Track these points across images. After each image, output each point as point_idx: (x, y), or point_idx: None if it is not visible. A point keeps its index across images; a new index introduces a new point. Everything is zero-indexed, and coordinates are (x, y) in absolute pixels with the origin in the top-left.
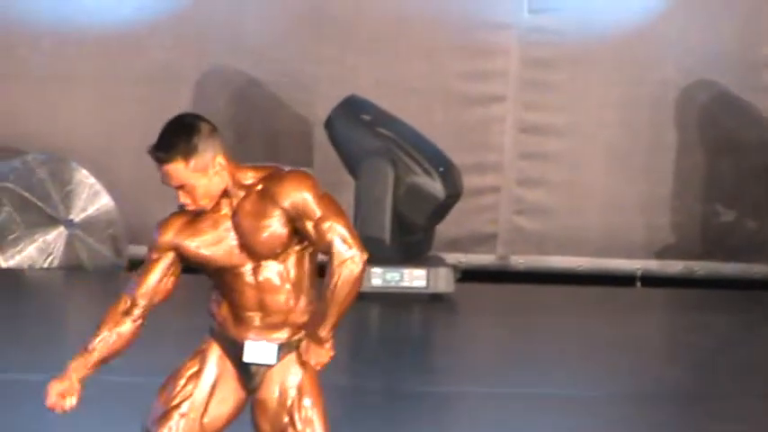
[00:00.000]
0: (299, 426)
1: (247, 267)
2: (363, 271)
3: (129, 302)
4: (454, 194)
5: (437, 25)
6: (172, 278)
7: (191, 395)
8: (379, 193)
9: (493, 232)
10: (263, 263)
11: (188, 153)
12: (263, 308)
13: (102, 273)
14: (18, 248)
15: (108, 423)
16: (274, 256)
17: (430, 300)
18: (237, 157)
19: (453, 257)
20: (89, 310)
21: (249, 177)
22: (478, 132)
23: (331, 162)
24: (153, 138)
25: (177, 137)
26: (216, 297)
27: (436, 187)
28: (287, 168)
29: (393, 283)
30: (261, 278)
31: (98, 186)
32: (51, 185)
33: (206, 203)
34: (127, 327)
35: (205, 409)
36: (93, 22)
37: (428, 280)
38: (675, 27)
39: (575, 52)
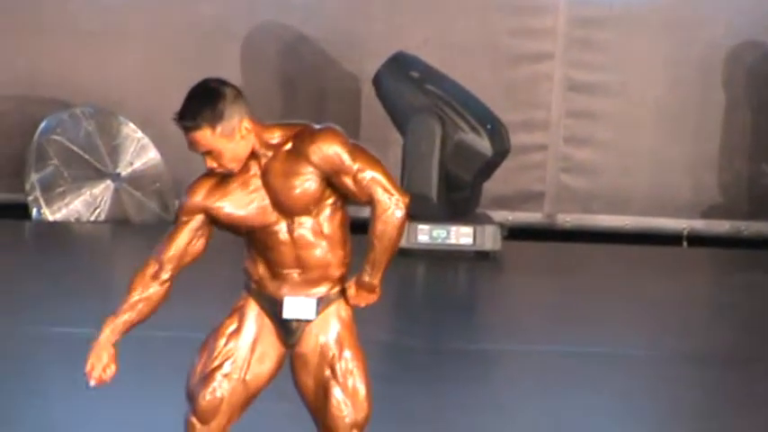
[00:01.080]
0: (340, 378)
1: (281, 225)
2: (407, 214)
3: (156, 266)
4: (502, 152)
5: None
6: (201, 240)
7: (232, 355)
8: (426, 149)
9: (540, 190)
10: (297, 219)
11: (214, 119)
12: (300, 264)
13: (148, 227)
14: (65, 202)
15: (149, 379)
16: (307, 212)
17: (476, 257)
18: (286, 113)
19: (500, 215)
20: (136, 264)
21: (276, 137)
22: (526, 90)
23: (379, 119)
24: None
25: (202, 104)
26: (251, 256)
27: (484, 144)
28: (314, 126)
29: (440, 241)
30: (296, 235)
31: (145, 140)
32: (99, 139)
33: (234, 167)
34: (155, 290)
35: (247, 368)
36: None
37: (475, 237)
38: None
39: (623, 11)
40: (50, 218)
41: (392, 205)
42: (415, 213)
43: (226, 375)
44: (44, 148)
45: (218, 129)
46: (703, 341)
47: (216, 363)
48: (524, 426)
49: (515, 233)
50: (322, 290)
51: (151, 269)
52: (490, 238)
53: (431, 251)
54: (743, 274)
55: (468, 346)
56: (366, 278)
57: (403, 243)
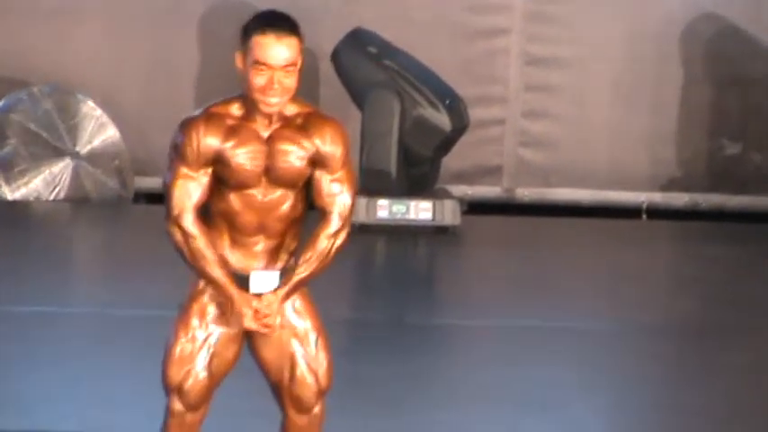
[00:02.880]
0: (305, 349)
1: (259, 190)
2: (341, 248)
3: (180, 229)
4: (460, 127)
5: None
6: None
7: (208, 335)
8: (385, 125)
9: (498, 164)
10: (276, 189)
11: (301, 40)
12: (263, 231)
13: (108, 204)
14: (24, 180)
15: (107, 356)
16: (291, 186)
17: (436, 232)
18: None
19: (459, 190)
20: (95, 242)
21: (290, 109)
22: (484, 65)
23: (337, 95)
24: (160, 71)
25: (291, 18)
26: (214, 222)
27: (442, 119)
28: (327, 114)
29: (399, 216)
30: (267, 201)
31: (104, 118)
32: (57, 117)
33: (284, 102)
34: (200, 235)
35: (221, 346)
36: None
37: (434, 212)
38: None
39: None
40: (9, 197)
41: (341, 233)
42: (375, 189)
43: (206, 358)
44: (2, 128)
45: (301, 45)
46: (663, 313)
47: (195, 346)
48: (484, 398)
49: (474, 208)
50: (281, 263)
51: (179, 234)
52: (449, 213)
53: (390, 226)
54: (702, 247)
55: (428, 320)
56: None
57: (363, 218)
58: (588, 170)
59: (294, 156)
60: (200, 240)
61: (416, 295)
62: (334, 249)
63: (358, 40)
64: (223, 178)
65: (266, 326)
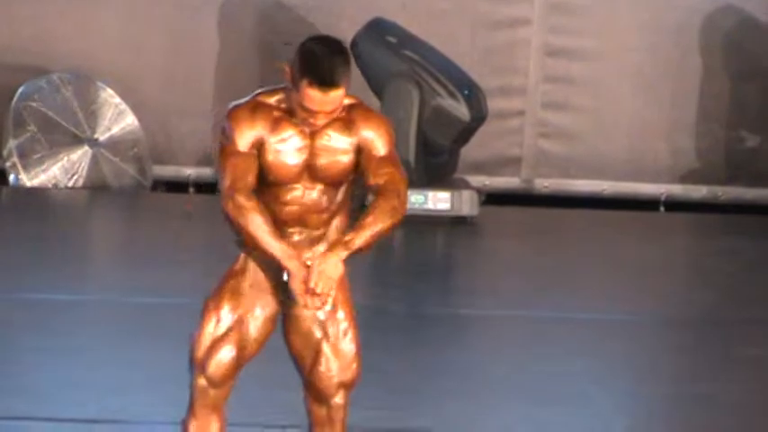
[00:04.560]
0: (332, 338)
1: (301, 185)
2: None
3: (232, 201)
4: (479, 117)
5: None
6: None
7: (237, 316)
8: (403, 114)
9: (517, 155)
10: (318, 185)
11: (348, 78)
12: (303, 223)
13: (126, 192)
14: (42, 167)
15: (125, 344)
16: (336, 183)
17: (454, 222)
18: (265, 81)
19: (478, 180)
20: (113, 230)
21: None
22: (504, 55)
23: (356, 84)
24: (179, 60)
25: (342, 62)
26: None
27: (461, 110)
28: (369, 107)
29: (417, 206)
30: (311, 197)
31: (123, 106)
32: (76, 105)
33: (329, 119)
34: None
35: (250, 328)
36: None
37: (452, 202)
38: None
39: None
40: (28, 184)
41: (398, 208)
42: None
43: (234, 337)
44: (21, 115)
45: (348, 85)
46: (681, 305)
47: (224, 325)
48: (501, 389)
49: (493, 198)
50: (320, 250)
51: (235, 208)
52: (468, 204)
53: (408, 216)
54: (720, 239)
55: (447, 310)
56: (346, 240)
57: None
58: (607, 161)
59: (338, 152)
60: (257, 212)
61: (434, 285)
62: (390, 222)
63: (377, 29)
64: (263, 170)
65: (320, 296)
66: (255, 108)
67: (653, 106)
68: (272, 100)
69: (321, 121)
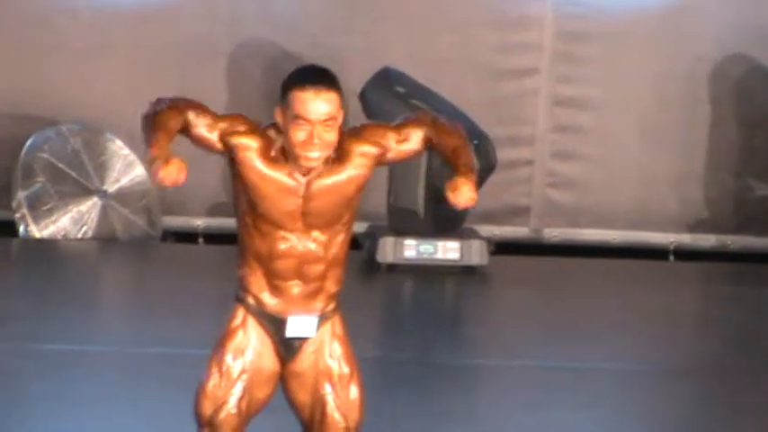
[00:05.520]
0: (338, 392)
1: (294, 235)
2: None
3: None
4: (488, 167)
5: None
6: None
7: (242, 373)
8: (412, 165)
9: (526, 205)
10: (313, 232)
11: (341, 92)
12: (301, 276)
13: (135, 243)
14: (52, 219)
15: (138, 395)
16: (327, 228)
17: (463, 272)
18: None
19: (487, 230)
20: (123, 281)
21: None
22: (512, 105)
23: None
24: None
25: (330, 72)
26: (249, 264)
27: None
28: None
29: (426, 255)
30: (305, 247)
31: (132, 157)
32: (85, 156)
33: (325, 156)
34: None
35: (254, 385)
36: None
37: (462, 252)
38: (712, 0)
39: (609, 25)
40: (37, 235)
41: (448, 126)
42: (402, 228)
43: (239, 394)
44: (31, 166)
45: (341, 99)
46: (691, 354)
47: (229, 382)
48: None
49: (502, 248)
50: (319, 305)
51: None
52: (477, 253)
53: (418, 266)
54: (730, 288)
55: (456, 360)
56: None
57: (390, 258)
58: (616, 211)
59: (336, 188)
60: (163, 115)
61: (443, 335)
62: (459, 135)
63: (386, 79)
64: (256, 211)
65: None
66: (262, 132)
67: (661, 155)
68: (275, 136)
69: (314, 153)
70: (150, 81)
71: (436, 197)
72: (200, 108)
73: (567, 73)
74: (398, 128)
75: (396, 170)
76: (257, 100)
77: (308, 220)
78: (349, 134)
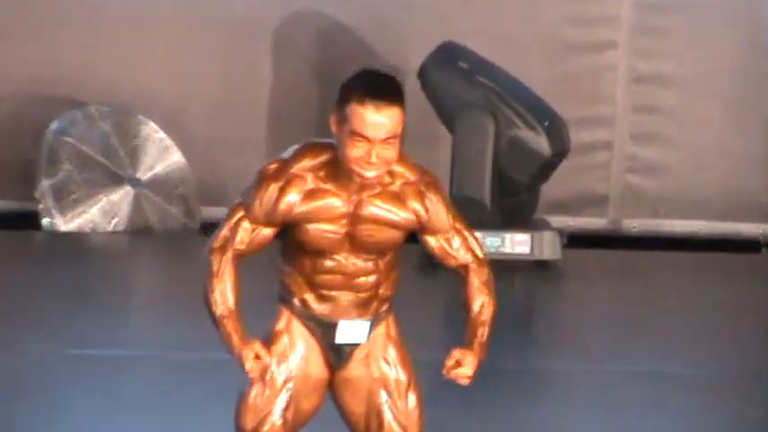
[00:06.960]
0: (397, 401)
1: (343, 255)
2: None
3: (221, 255)
4: (561, 151)
5: None
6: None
7: (287, 381)
8: (478, 148)
9: (604, 193)
10: (362, 254)
11: (404, 105)
12: (350, 288)
13: (171, 236)
14: (79, 210)
15: (173, 401)
16: (381, 255)
17: (534, 267)
18: (322, 108)
19: (560, 221)
20: (158, 277)
21: (386, 174)
22: (587, 83)
23: (424, 114)
24: (230, 89)
25: (395, 81)
26: (293, 274)
27: (541, 143)
28: (423, 172)
29: (493, 249)
30: (354, 265)
31: (168, 141)
32: (116, 140)
33: (382, 173)
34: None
35: (301, 394)
36: None
37: (532, 245)
38: None
39: None
40: (63, 228)
41: (488, 274)
42: (467, 220)
43: (284, 404)
44: (56, 152)
45: (403, 113)
46: None
47: (273, 392)
48: None
49: (576, 240)
50: (371, 310)
51: (214, 258)
52: (549, 246)
53: None
54: None
55: (526, 364)
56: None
57: None
58: (702, 199)
59: (385, 225)
60: (224, 283)
61: (511, 337)
62: (492, 294)
63: (448, 54)
64: (301, 242)
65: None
66: (289, 181)
67: (751, 137)
68: (314, 162)
69: (371, 172)
70: (189, 59)
71: (503, 185)
72: (234, 223)
73: (647, 47)
74: (458, 229)
75: (459, 154)
76: (306, 76)
77: (355, 245)
78: (420, 176)
